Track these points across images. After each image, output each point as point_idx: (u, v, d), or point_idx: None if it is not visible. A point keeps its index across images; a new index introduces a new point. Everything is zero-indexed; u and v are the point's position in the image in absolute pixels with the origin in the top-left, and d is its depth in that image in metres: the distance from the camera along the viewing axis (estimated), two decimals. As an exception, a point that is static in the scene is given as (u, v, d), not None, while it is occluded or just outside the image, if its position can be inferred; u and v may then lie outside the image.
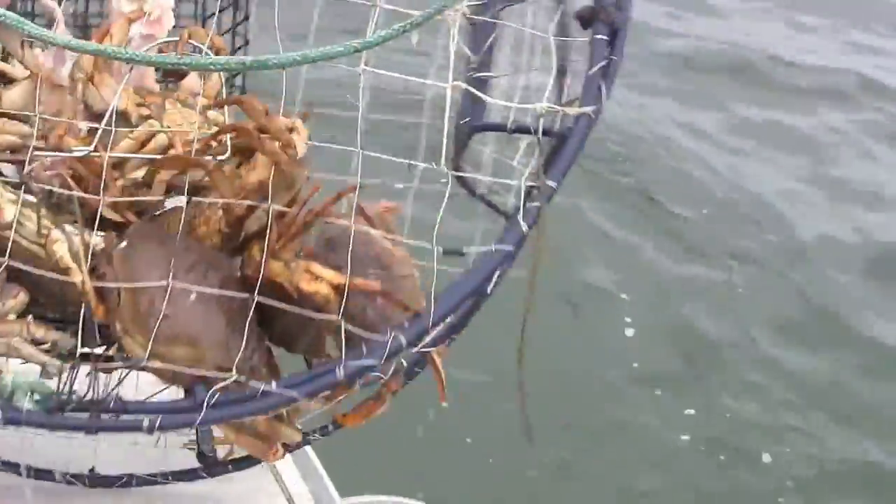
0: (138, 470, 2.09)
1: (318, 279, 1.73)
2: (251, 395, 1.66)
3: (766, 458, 5.51)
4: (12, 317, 1.73)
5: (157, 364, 1.69)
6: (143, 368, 1.69)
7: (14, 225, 1.74)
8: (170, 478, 2.09)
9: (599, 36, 1.72)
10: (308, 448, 2.18)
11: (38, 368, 1.69)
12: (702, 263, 6.99)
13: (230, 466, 2.11)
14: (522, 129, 1.74)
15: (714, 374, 6.01)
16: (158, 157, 1.82)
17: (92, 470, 2.08)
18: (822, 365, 6.20)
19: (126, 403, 1.65)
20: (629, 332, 6.22)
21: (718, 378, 5.98)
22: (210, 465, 2.09)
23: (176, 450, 2.10)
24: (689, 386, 5.88)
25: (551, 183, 1.67)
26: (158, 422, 1.63)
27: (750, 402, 5.81)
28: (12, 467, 2.05)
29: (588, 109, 1.70)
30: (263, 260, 1.73)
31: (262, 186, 1.77)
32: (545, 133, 1.70)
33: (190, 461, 2.10)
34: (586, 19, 1.76)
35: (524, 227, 1.66)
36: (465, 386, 5.33)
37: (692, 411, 5.70)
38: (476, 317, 1.98)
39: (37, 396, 1.63)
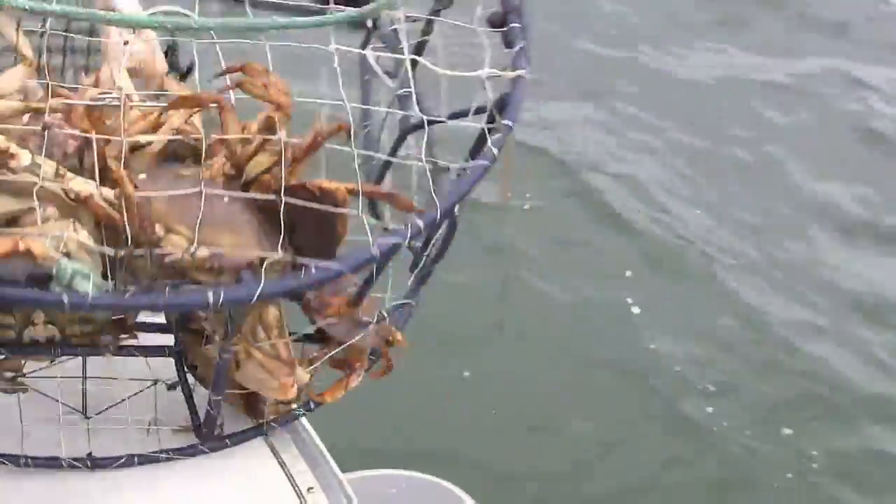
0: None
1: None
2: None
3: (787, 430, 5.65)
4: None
5: (205, 252, 1.76)
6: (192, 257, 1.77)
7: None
8: (171, 454, 2.07)
9: (515, 25, 2.12)
10: (307, 426, 2.21)
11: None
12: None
13: (228, 441, 2.12)
14: (460, 115, 2.05)
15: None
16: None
17: (90, 454, 2.03)
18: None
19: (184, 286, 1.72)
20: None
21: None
22: (209, 440, 2.10)
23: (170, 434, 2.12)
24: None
25: (507, 122, 1.99)
26: (222, 295, 1.69)
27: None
28: (11, 459, 2.00)
29: (522, 71, 2.05)
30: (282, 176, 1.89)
31: (269, 125, 1.95)
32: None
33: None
34: (498, 21, 2.13)
35: (494, 150, 1.95)
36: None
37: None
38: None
39: (96, 281, 1.67)
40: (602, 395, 5.69)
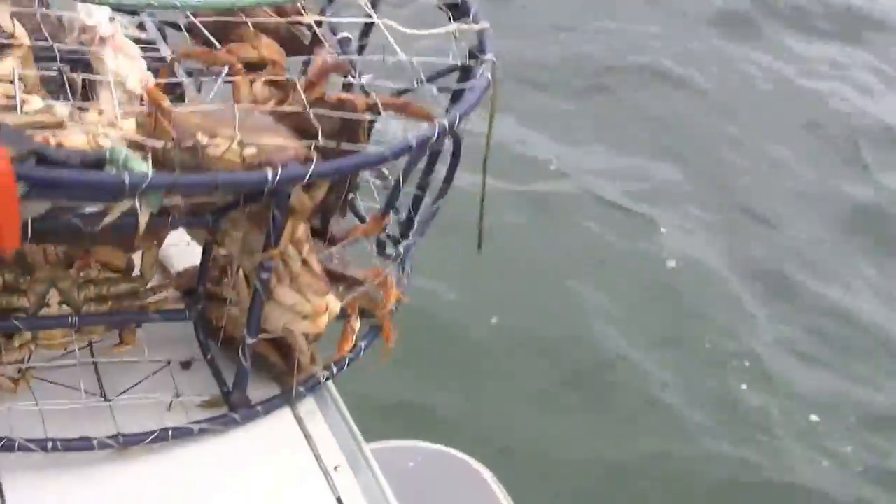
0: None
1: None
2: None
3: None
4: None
5: (251, 149, 1.74)
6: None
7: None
8: (203, 424, 1.95)
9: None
10: (333, 391, 2.12)
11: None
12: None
13: (259, 409, 2.01)
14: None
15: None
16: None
17: (120, 433, 1.89)
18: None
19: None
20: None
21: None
22: (240, 406, 1.98)
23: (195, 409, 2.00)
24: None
25: (489, 57, 2.12)
26: (280, 174, 1.66)
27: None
28: (38, 443, 1.83)
29: (484, 24, 2.20)
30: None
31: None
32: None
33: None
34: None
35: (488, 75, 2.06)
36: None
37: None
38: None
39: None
40: (633, 367, 5.60)
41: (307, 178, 1.71)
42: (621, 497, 4.97)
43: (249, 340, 1.91)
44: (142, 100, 2.05)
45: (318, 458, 2.00)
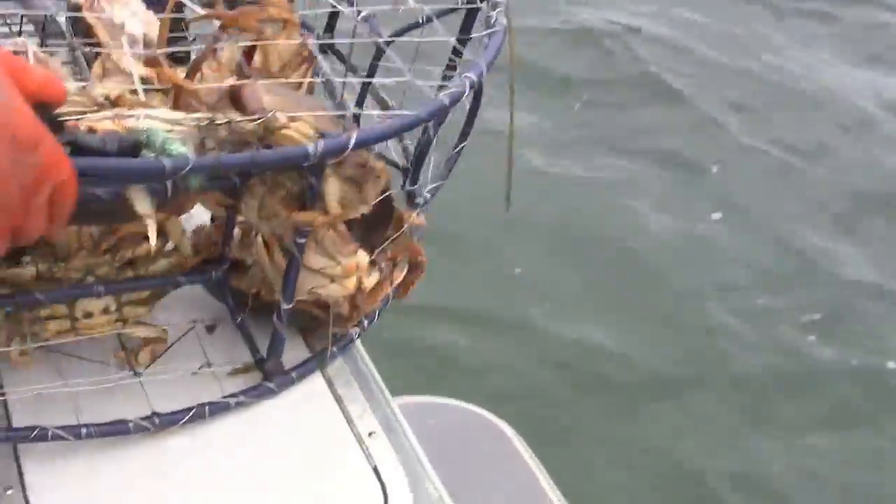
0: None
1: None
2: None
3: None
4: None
5: (283, 117, 1.62)
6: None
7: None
8: (240, 397, 1.86)
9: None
10: (368, 362, 2.03)
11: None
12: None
13: (294, 374, 1.93)
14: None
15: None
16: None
17: (154, 412, 1.80)
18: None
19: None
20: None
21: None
22: (275, 374, 1.90)
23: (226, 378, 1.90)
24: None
25: None
26: (322, 148, 1.56)
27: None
28: (70, 430, 1.73)
29: None
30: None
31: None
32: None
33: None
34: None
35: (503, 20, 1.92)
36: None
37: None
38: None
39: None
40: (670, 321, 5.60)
41: (350, 149, 1.60)
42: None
43: (285, 306, 1.82)
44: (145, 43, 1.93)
45: (350, 423, 1.91)
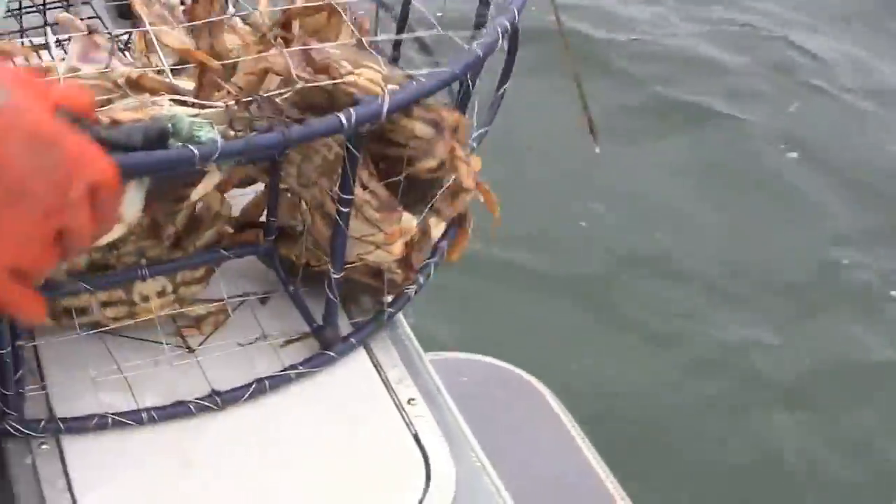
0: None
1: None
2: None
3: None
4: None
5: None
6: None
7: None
8: (300, 368, 1.83)
9: None
10: (405, 326, 2.00)
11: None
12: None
13: (353, 340, 1.89)
14: None
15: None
16: None
17: (214, 391, 1.78)
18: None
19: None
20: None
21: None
22: (333, 342, 1.87)
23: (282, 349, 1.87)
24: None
25: None
26: (354, 117, 1.50)
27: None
28: (131, 416, 1.72)
29: None
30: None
31: None
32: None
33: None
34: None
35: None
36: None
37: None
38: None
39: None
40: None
41: (385, 113, 1.54)
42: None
43: (336, 276, 1.78)
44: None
45: (389, 389, 1.87)
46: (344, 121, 1.50)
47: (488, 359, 3.14)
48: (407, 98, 1.58)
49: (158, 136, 1.41)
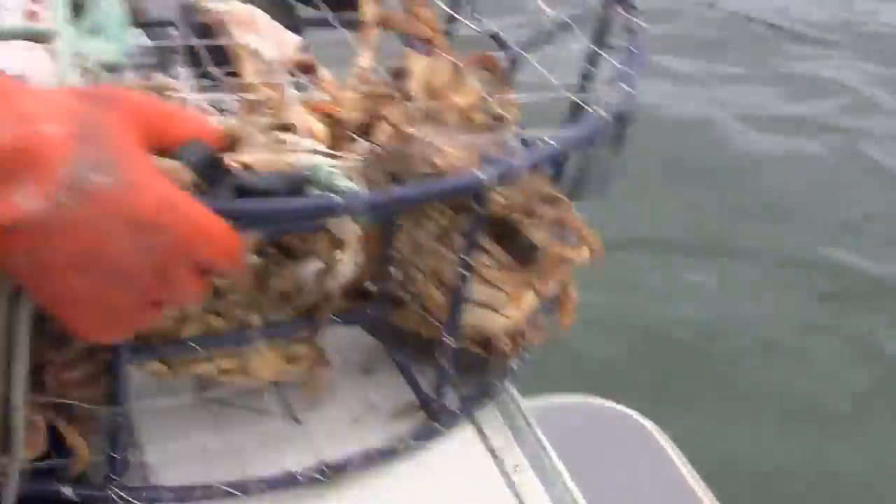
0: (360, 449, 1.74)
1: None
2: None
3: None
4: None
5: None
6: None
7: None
8: (410, 441, 1.76)
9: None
10: (510, 388, 1.93)
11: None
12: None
13: (460, 412, 1.82)
14: None
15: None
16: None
17: (324, 462, 1.71)
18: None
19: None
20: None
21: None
22: (441, 414, 1.80)
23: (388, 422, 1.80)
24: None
25: None
26: (498, 172, 1.45)
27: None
28: (238, 487, 1.64)
29: None
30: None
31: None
32: None
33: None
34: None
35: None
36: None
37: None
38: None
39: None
40: None
41: (524, 170, 1.50)
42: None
43: (453, 344, 1.71)
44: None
45: (493, 455, 1.80)
46: (483, 176, 1.45)
47: (599, 400, 3.00)
48: (546, 157, 1.55)
49: (299, 184, 1.36)
